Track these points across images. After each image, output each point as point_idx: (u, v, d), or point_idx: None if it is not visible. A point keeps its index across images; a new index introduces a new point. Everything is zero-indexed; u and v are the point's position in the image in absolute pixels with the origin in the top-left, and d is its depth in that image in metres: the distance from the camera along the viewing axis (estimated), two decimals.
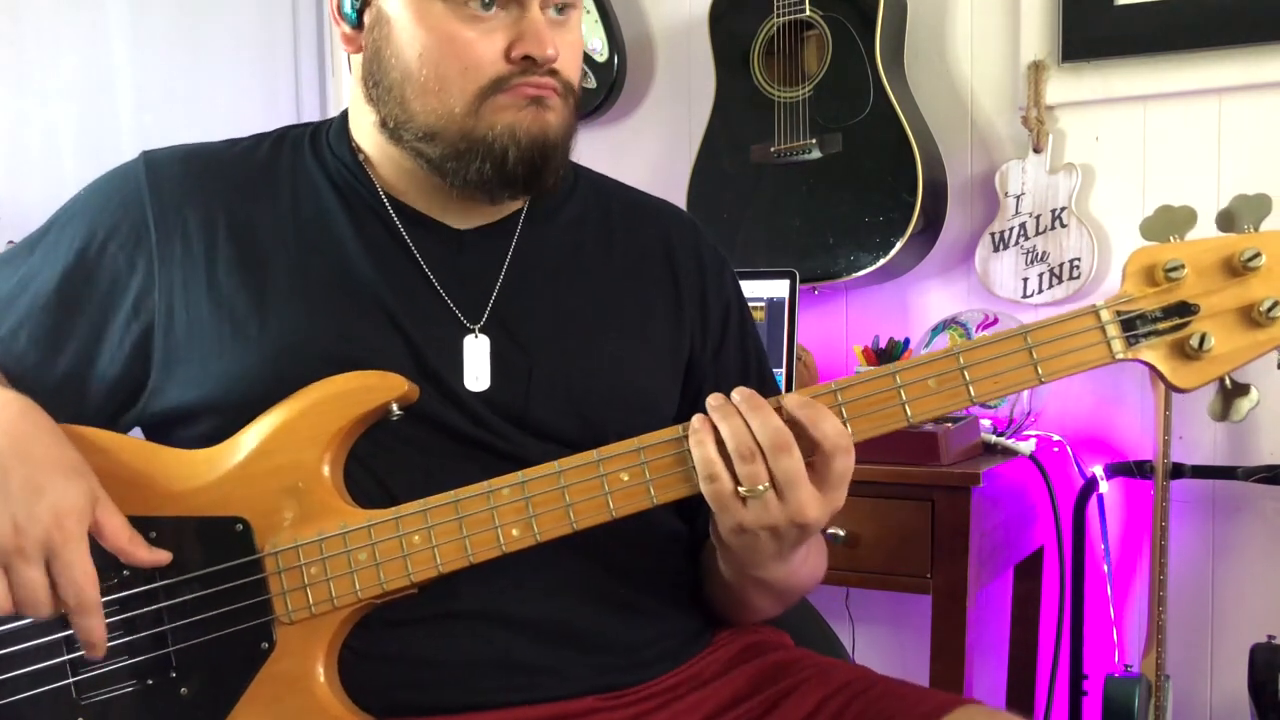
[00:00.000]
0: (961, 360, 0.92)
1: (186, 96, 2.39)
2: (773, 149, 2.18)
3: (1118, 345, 0.92)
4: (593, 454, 0.95)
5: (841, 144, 2.13)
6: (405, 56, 1.00)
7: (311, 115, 2.62)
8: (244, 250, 1.03)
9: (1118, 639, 2.14)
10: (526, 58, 0.99)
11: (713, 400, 0.92)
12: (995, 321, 2.05)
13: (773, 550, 0.94)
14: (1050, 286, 2.12)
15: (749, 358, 1.17)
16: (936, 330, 2.10)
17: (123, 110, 2.28)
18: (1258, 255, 0.90)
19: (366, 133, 1.07)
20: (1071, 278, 2.10)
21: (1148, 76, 2.07)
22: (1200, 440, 2.08)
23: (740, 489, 0.90)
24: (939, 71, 2.24)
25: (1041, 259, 2.12)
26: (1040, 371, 0.92)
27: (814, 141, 2.14)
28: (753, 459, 0.89)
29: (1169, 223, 0.93)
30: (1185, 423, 2.06)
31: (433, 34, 0.99)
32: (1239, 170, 2.04)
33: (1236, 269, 0.90)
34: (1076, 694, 2.06)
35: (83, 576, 0.90)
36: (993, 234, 2.16)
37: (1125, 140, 2.12)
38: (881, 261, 2.09)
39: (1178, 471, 1.99)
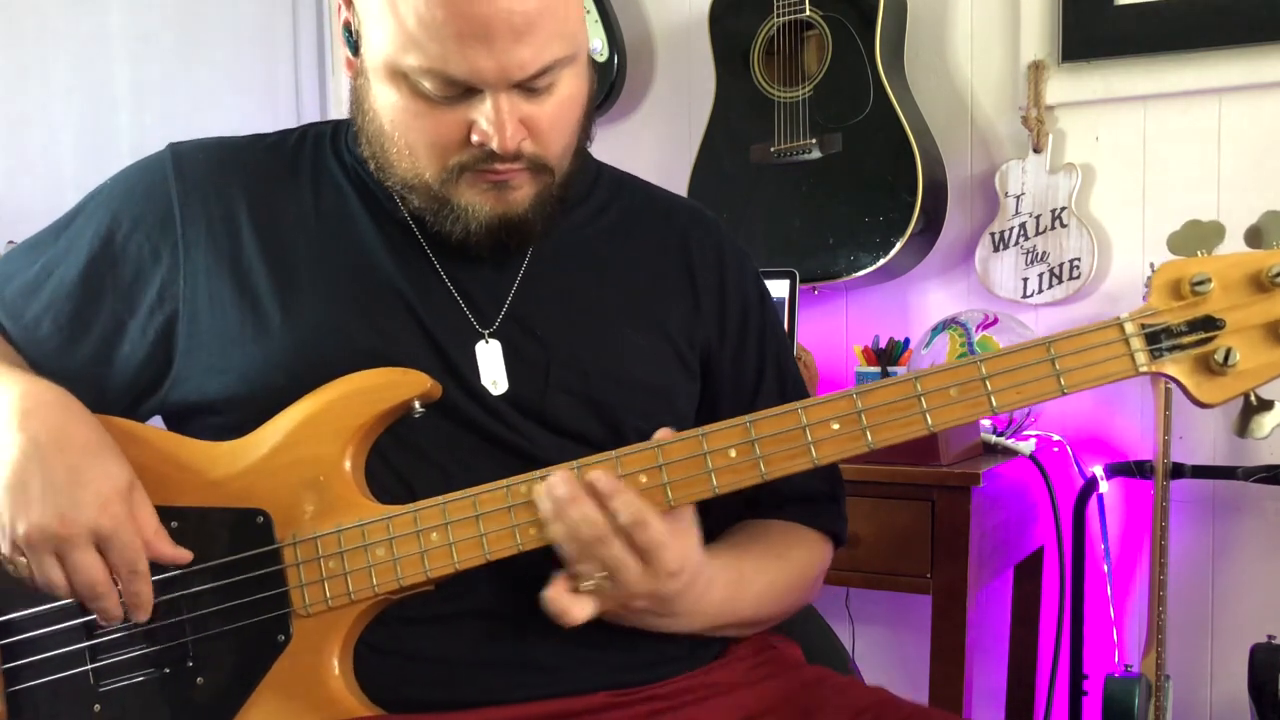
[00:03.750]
0: (983, 370, 0.92)
1: (186, 96, 2.39)
2: (773, 149, 2.18)
3: (1141, 358, 0.91)
4: (611, 454, 0.95)
5: (841, 144, 2.13)
6: (382, 119, 1.00)
7: (311, 115, 2.62)
8: (268, 241, 1.04)
9: (1118, 639, 2.14)
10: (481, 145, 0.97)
11: (537, 498, 0.93)
12: (995, 322, 2.05)
13: (653, 618, 0.97)
14: (1050, 286, 2.12)
15: (767, 360, 1.16)
16: (936, 330, 2.10)
17: (123, 110, 2.28)
18: None
19: None
20: (1071, 278, 2.10)
21: (1148, 76, 2.07)
22: (1200, 440, 2.08)
23: (583, 585, 0.93)
24: (939, 71, 2.24)
25: (1041, 259, 2.12)
26: (1063, 383, 0.92)
27: (814, 141, 2.14)
28: (582, 559, 0.92)
29: (1196, 237, 0.93)
30: (1185, 423, 2.06)
31: (400, 109, 0.97)
32: (1239, 170, 2.05)
33: (1264, 284, 0.90)
34: (1076, 694, 2.06)
35: (133, 552, 0.93)
36: (993, 234, 2.16)
37: (1125, 140, 2.12)
38: (881, 261, 2.09)
39: (1178, 471, 1.99)
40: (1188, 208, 2.07)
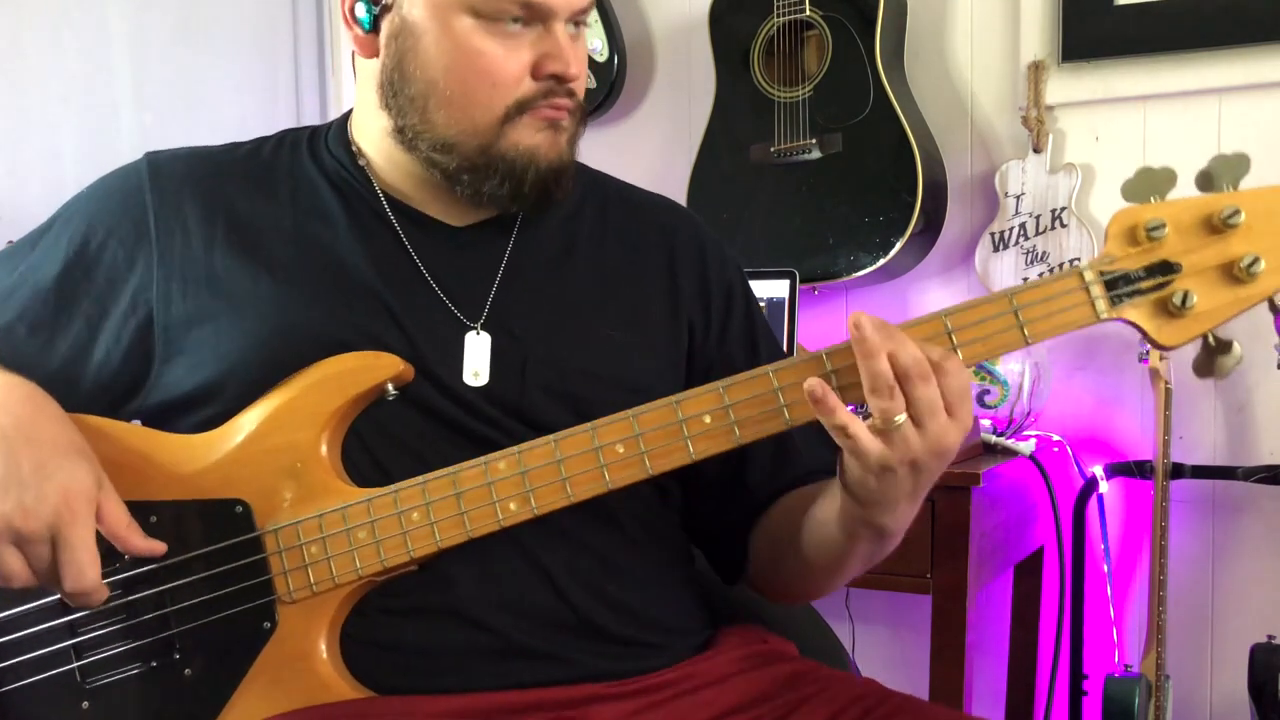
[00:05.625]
0: (949, 324, 0.93)
1: (186, 96, 2.39)
2: (773, 149, 2.18)
3: (1102, 305, 0.92)
4: (588, 426, 0.96)
5: (841, 144, 2.13)
6: (431, 69, 1.01)
7: (311, 115, 2.62)
8: (243, 244, 1.05)
9: (1118, 639, 2.14)
10: (552, 75, 1.00)
11: (855, 325, 0.89)
12: None
13: (909, 487, 0.92)
14: None
15: (757, 340, 1.17)
16: None
17: (123, 110, 2.28)
18: (1237, 213, 0.91)
19: (373, 137, 1.08)
20: None
21: (1148, 76, 2.07)
22: (1200, 440, 2.08)
23: (876, 422, 0.88)
24: (939, 71, 2.24)
25: (1041, 259, 2.12)
26: (1026, 333, 0.93)
27: (814, 141, 2.14)
28: (892, 394, 0.88)
29: (1149, 183, 0.95)
30: (1185, 423, 2.06)
31: (460, 48, 0.99)
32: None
33: (1217, 227, 0.92)
34: (1076, 694, 2.06)
35: (85, 557, 0.92)
36: (993, 234, 2.16)
37: (1125, 140, 2.12)
38: (881, 261, 2.09)
39: (1178, 471, 1.99)
40: None
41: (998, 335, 0.93)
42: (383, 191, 1.08)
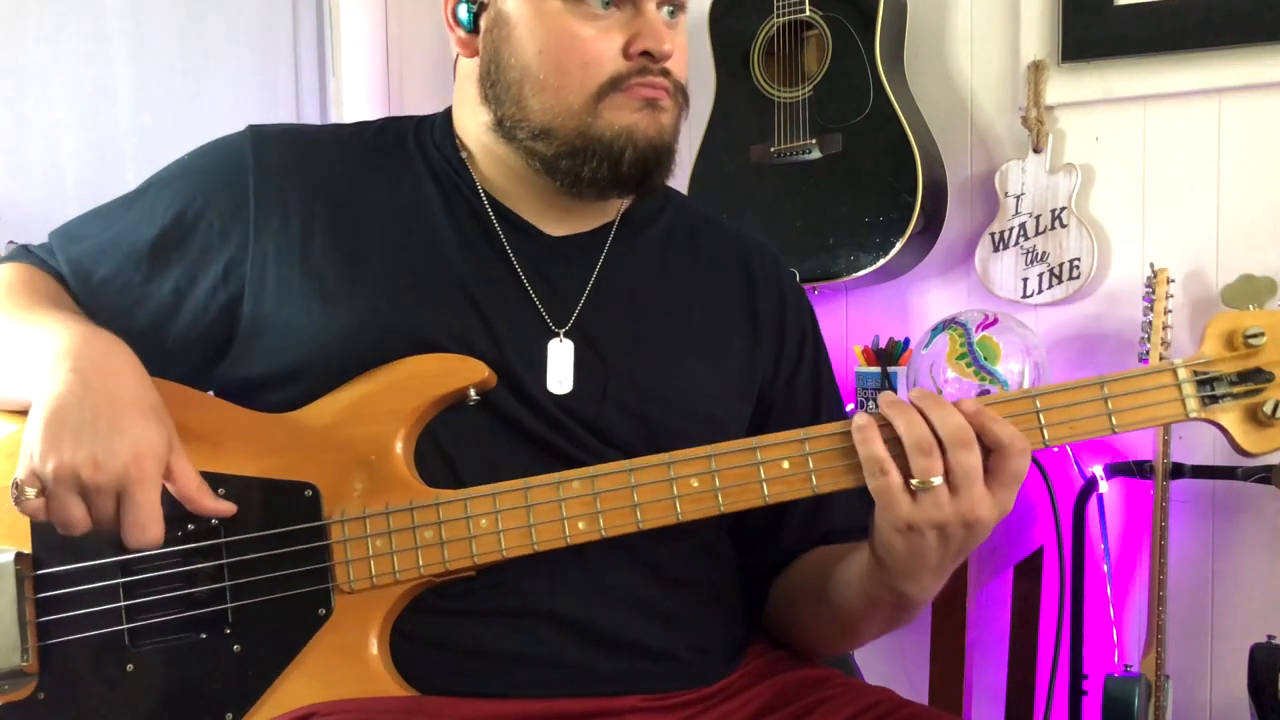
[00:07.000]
0: (1038, 404, 0.94)
1: (186, 96, 2.39)
2: (773, 149, 2.18)
3: (1192, 404, 0.94)
4: (664, 457, 0.97)
5: (841, 144, 2.13)
6: (525, 55, 1.02)
7: (311, 115, 2.62)
8: (341, 228, 1.05)
9: (1118, 639, 2.14)
10: (644, 54, 1.01)
11: (886, 397, 0.93)
12: (995, 322, 2.05)
13: (935, 558, 0.93)
14: (1050, 286, 2.12)
15: (822, 388, 1.18)
16: (936, 330, 2.10)
17: (123, 110, 2.28)
18: None
19: (474, 133, 1.09)
20: (1071, 278, 2.10)
21: (1148, 76, 2.07)
22: (1200, 440, 2.08)
23: (911, 482, 0.90)
24: (939, 71, 2.24)
25: (1041, 259, 2.12)
26: (1114, 422, 0.94)
27: (814, 141, 2.14)
28: (930, 453, 0.90)
29: (1250, 291, 0.97)
30: (1184, 423, 2.06)
31: (552, 32, 1.01)
32: (1239, 171, 2.04)
33: None
34: (1076, 694, 2.06)
35: (149, 519, 0.92)
36: (992, 234, 2.16)
37: (1125, 140, 2.12)
38: (881, 261, 2.09)
39: (1178, 471, 1.99)
40: (1187, 208, 2.08)
41: (1085, 420, 0.94)
42: (483, 189, 1.08)
